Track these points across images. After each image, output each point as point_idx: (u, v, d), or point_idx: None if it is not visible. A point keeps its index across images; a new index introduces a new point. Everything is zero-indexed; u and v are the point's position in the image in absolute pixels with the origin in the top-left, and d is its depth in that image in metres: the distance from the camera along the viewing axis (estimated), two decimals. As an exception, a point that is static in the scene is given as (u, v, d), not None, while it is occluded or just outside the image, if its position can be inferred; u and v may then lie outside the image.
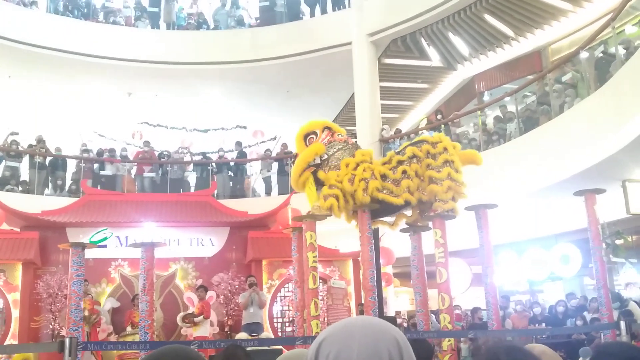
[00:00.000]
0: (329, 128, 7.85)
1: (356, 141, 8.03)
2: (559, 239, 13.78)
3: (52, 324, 10.97)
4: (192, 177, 15.36)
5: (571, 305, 11.28)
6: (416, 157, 7.56)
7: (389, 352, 1.23)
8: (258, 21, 17.23)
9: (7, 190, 13.05)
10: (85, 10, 16.62)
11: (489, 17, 13.62)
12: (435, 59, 15.53)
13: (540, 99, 11.58)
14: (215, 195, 13.83)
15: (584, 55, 10.57)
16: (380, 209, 7.59)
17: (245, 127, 17.36)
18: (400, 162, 7.58)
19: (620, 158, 9.17)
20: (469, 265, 14.37)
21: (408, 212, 8.01)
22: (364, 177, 7.32)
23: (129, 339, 10.22)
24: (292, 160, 14.46)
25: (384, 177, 7.48)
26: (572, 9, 13.13)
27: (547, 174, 10.26)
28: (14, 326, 10.83)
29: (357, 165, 7.44)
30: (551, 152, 10.14)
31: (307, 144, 7.70)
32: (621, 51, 9.46)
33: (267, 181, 15.18)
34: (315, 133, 7.77)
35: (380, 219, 8.02)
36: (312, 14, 16.39)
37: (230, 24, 17.19)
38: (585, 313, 10.64)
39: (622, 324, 6.05)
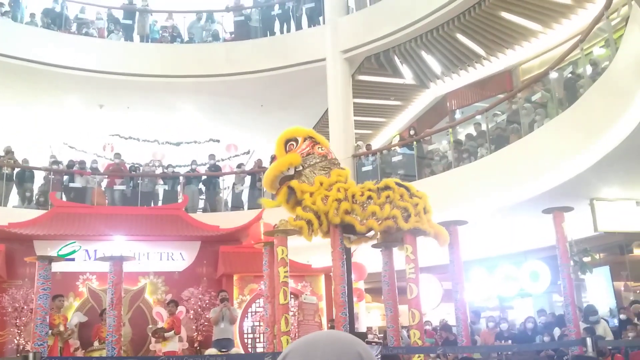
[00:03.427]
0: (311, 138, 7.83)
1: (335, 157, 8.02)
2: (528, 256, 13.96)
3: (17, 338, 10.72)
4: (161, 191, 15.21)
5: (540, 322, 11.39)
6: (389, 188, 7.61)
7: None
8: (233, 35, 17.24)
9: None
10: (58, 21, 16.44)
11: (461, 37, 13.83)
12: (408, 76, 15.69)
13: (511, 117, 11.76)
14: (186, 209, 13.72)
15: (553, 75, 10.78)
16: (348, 229, 7.63)
17: (218, 141, 17.31)
18: (370, 189, 7.64)
19: (588, 177, 9.35)
20: (440, 281, 14.46)
21: (372, 238, 8.08)
22: (337, 198, 7.35)
23: (96, 354, 10.03)
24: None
25: (352, 198, 7.53)
26: (542, 30, 13.40)
27: (516, 192, 10.39)
28: (-22, 341, 10.58)
29: (331, 185, 7.45)
30: (521, 170, 10.28)
31: (287, 149, 7.68)
32: (589, 72, 9.67)
33: (239, 195, 15.11)
34: (296, 140, 7.75)
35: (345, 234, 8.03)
36: (287, 30, 16.46)
37: (205, 38, 17.16)
38: (556, 329, 10.75)
39: (589, 340, 6.15)
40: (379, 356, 6.28)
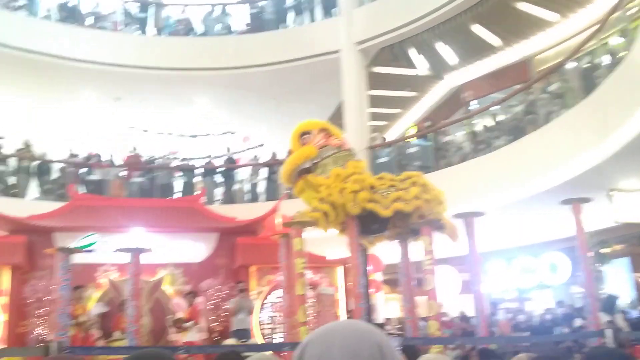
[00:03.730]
0: (325, 130, 7.85)
1: (351, 147, 8.04)
2: (547, 247, 13.88)
3: (39, 328, 10.88)
4: (179, 183, 15.31)
5: (559, 313, 11.37)
6: (410, 177, 7.67)
7: (371, 355, 1.25)
8: (246, 28, 17.25)
9: (-6, 195, 12.95)
10: (73, 15, 16.53)
11: (476, 27, 13.76)
12: (423, 67, 15.65)
13: (527, 108, 11.71)
14: (204, 201, 13.81)
15: (570, 65, 10.71)
16: (368, 221, 7.63)
17: (233, 133, 17.36)
18: (392, 179, 7.70)
19: (606, 168, 9.30)
20: (459, 273, 14.46)
21: (387, 234, 8.10)
22: (354, 190, 7.36)
23: (116, 344, 10.16)
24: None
25: (372, 188, 7.54)
26: (558, 20, 13.31)
27: (534, 183, 10.36)
28: (2, 330, 10.75)
29: (348, 177, 7.47)
30: (538, 161, 10.25)
31: (302, 142, 7.71)
32: (606, 62, 9.61)
33: (255, 187, 15.17)
34: (311, 133, 7.78)
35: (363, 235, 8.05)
36: (301, 22, 16.45)
37: (219, 31, 17.20)
38: (577, 320, 10.72)
39: (608, 331, 6.14)
40: (400, 347, 6.29)
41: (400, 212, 7.50)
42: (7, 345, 10.56)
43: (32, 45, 14.81)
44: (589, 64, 10.42)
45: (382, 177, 7.78)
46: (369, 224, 7.75)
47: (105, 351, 8.73)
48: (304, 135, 7.78)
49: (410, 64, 15.47)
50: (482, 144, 12.40)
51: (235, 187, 15.38)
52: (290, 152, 7.95)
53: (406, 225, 7.84)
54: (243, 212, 13.17)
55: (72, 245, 11.13)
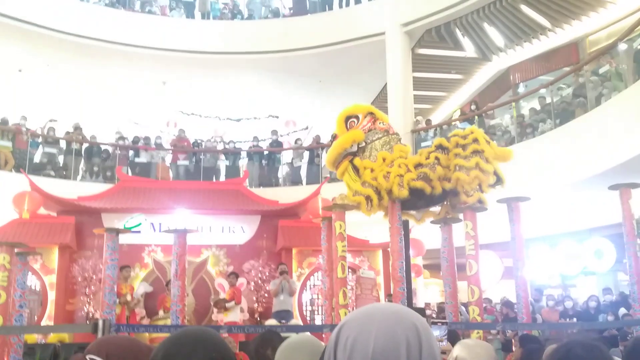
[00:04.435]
0: (372, 114, 7.78)
1: (396, 132, 7.97)
2: (592, 233, 13.57)
3: (87, 306, 11.22)
4: (222, 166, 15.49)
5: (604, 301, 11.12)
6: (443, 147, 7.53)
7: (407, 338, 1.24)
8: (291, 11, 17.25)
9: (45, 176, 13.34)
10: (122, 0, 16.82)
11: (525, 8, 13.42)
12: (469, 49, 15.37)
13: (577, 91, 11.40)
14: (247, 184, 13.96)
15: (622, 47, 10.36)
16: (412, 200, 7.56)
17: (277, 117, 17.44)
18: (429, 153, 7.57)
19: (658, 152, 8.99)
20: (501, 258, 14.26)
21: (436, 209, 7.99)
22: (399, 174, 7.30)
23: (160, 323, 10.40)
24: (326, 150, 14.51)
25: (418, 165, 7.46)
26: (610, 0, 12.87)
27: (581, 168, 10.11)
28: (50, 308, 11.12)
29: (393, 161, 7.41)
30: (586, 145, 9.99)
31: (348, 127, 7.67)
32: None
33: (297, 171, 15.24)
34: (357, 117, 7.72)
35: (409, 211, 7.98)
36: (346, 4, 16.34)
37: (264, 14, 17.24)
38: (622, 309, 10.46)
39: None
40: (446, 335, 6.23)
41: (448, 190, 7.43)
42: (55, 323, 10.93)
43: (82, 29, 15.15)
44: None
45: (422, 153, 7.67)
46: (415, 201, 7.67)
47: (149, 329, 8.93)
48: (349, 119, 7.73)
49: (456, 46, 15.22)
50: (529, 127, 12.13)
51: (278, 170, 15.46)
52: (335, 137, 7.90)
53: (454, 200, 7.72)
54: (285, 195, 13.26)
55: (120, 225, 11.42)
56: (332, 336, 1.31)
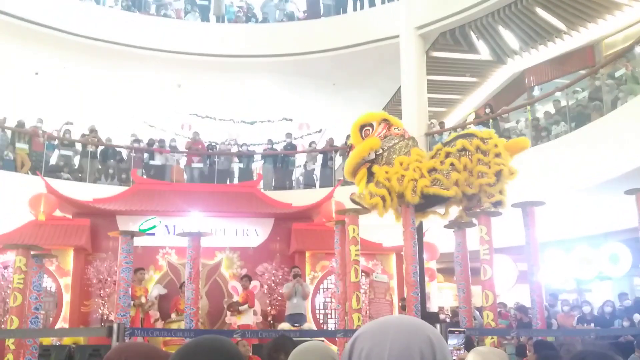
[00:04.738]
0: (386, 121, 7.75)
1: (412, 136, 7.94)
2: (608, 238, 13.46)
3: (102, 308, 11.28)
4: (236, 168, 15.54)
5: (621, 306, 11.01)
6: (466, 150, 7.47)
7: (421, 350, 1.24)
8: (306, 14, 17.28)
9: (61, 178, 13.45)
10: (137, 3, 16.94)
11: (540, 11, 13.34)
12: (484, 52, 15.31)
13: (592, 94, 11.31)
14: (261, 187, 13.99)
15: (638, 50, 10.27)
16: (426, 202, 7.53)
17: (291, 120, 17.46)
18: (448, 154, 7.50)
19: (675, 156, 8.90)
20: (515, 263, 14.17)
21: (457, 206, 7.93)
22: (413, 178, 7.26)
23: (174, 325, 10.43)
24: (340, 153, 14.52)
25: (432, 170, 7.41)
26: (627, 3, 12.77)
27: (597, 172, 10.03)
28: (65, 309, 11.19)
29: (409, 165, 7.37)
30: (602, 149, 9.90)
31: (363, 135, 7.64)
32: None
33: (310, 174, 15.24)
34: (371, 125, 7.69)
35: (431, 209, 7.90)
36: (360, 7, 16.35)
37: (278, 17, 17.30)
38: (637, 314, 10.37)
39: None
40: (463, 344, 6.18)
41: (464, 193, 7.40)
42: (69, 324, 11.00)
43: (98, 33, 15.29)
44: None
45: (437, 154, 7.61)
46: (430, 205, 7.63)
47: (163, 333, 8.97)
48: (364, 128, 7.70)
49: (471, 49, 15.16)
50: (544, 130, 12.06)
51: (292, 172, 15.48)
52: (351, 147, 7.87)
53: (469, 204, 7.67)
54: (299, 198, 13.27)
55: (134, 228, 11.49)
56: (346, 348, 1.32)
